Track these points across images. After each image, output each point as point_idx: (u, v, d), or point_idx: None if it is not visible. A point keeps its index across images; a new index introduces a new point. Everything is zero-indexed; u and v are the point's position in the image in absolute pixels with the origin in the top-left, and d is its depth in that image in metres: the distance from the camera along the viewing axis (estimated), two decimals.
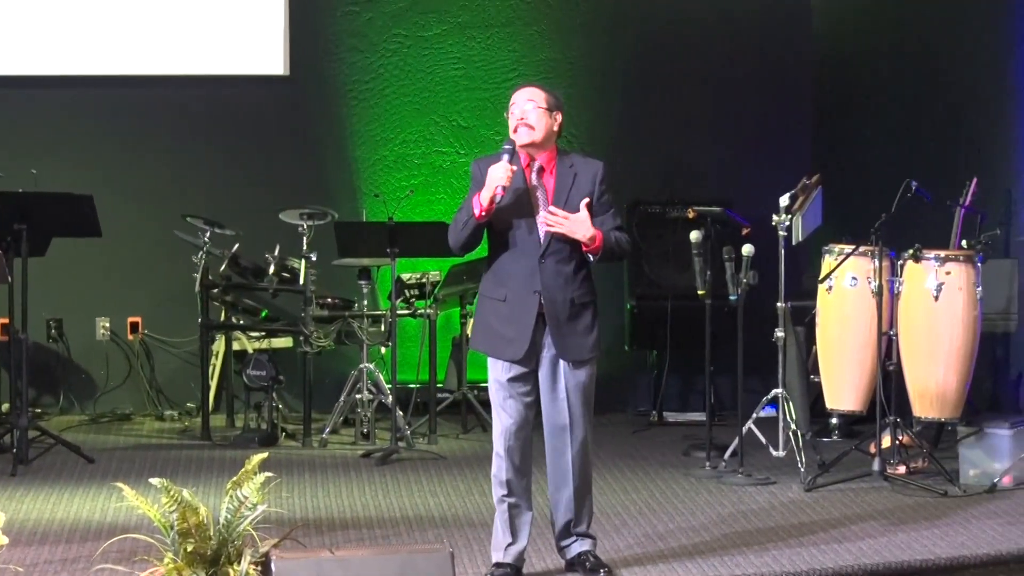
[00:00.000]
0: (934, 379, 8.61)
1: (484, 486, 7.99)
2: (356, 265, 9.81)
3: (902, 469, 8.47)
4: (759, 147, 11.19)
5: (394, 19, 10.96)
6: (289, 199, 10.18)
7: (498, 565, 6.49)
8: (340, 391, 9.79)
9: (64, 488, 8.30)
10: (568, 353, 6.44)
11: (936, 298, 8.59)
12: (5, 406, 9.74)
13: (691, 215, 9.52)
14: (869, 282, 8.61)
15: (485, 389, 6.63)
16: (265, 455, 6.17)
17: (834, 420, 9.61)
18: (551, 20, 11.06)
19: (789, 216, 8.95)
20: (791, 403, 8.87)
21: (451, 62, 10.99)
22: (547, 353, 6.46)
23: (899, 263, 8.62)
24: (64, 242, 9.52)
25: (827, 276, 8.75)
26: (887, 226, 8.44)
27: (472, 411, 10.08)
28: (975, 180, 9.13)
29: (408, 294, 9.96)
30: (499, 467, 6.48)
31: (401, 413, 9.40)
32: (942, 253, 8.67)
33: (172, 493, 5.83)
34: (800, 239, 9.11)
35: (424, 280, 10.00)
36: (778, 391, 8.92)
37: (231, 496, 5.93)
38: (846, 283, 8.77)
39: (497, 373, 6.47)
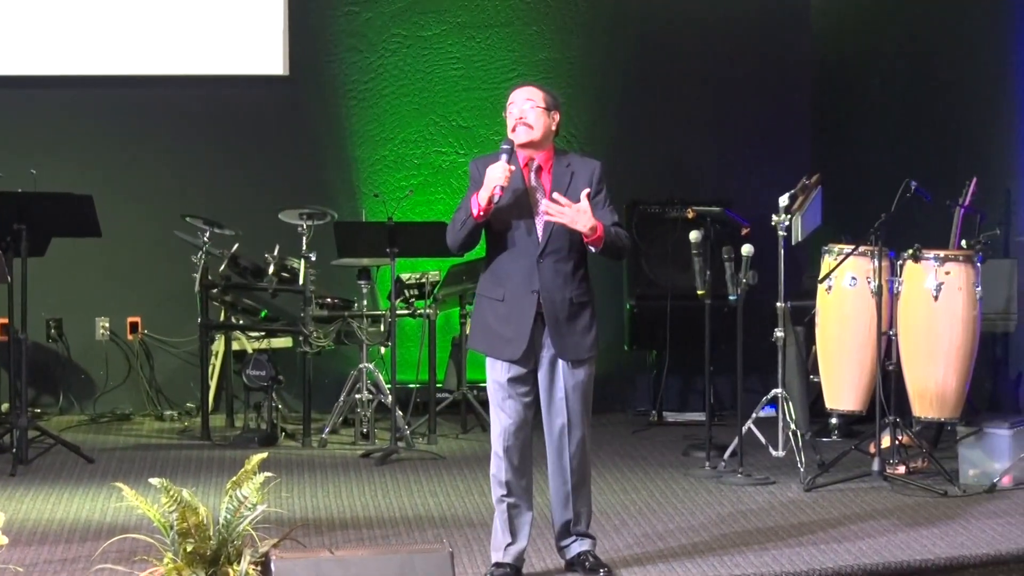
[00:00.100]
0: (934, 379, 8.61)
1: (484, 486, 7.99)
2: (356, 265, 9.81)
3: (902, 469, 8.47)
4: (759, 147, 11.19)
5: (393, 19, 10.96)
6: (289, 199, 10.18)
7: (498, 565, 6.50)
8: (340, 391, 9.79)
9: (64, 488, 8.30)
10: (567, 353, 6.44)
11: (936, 298, 8.59)
12: (5, 406, 9.74)
13: (691, 215, 9.52)
14: (869, 282, 8.61)
15: (484, 389, 6.64)
16: (264, 455, 6.17)
17: (834, 420, 9.62)
18: (551, 20, 11.07)
19: (789, 216, 8.95)
20: (791, 403, 8.87)
21: (450, 62, 10.99)
22: (546, 353, 6.46)
23: (899, 263, 8.62)
24: (64, 242, 9.52)
25: (827, 276, 8.75)
26: (887, 226, 8.44)
27: (472, 411, 10.08)
28: (974, 180, 9.14)
29: (408, 294, 9.96)
30: (498, 467, 6.48)
31: (401, 413, 9.40)
32: (941, 253, 8.67)
33: (172, 493, 5.83)
34: (800, 239, 9.11)
35: (424, 280, 10.00)
36: (778, 391, 8.91)
37: (231, 496, 5.93)
38: (846, 283, 8.77)
39: (496, 374, 6.47)
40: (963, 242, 8.93)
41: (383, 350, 9.94)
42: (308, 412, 9.69)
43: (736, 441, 8.73)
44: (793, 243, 9.07)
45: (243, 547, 5.88)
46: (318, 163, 10.89)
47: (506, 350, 6.42)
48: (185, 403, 10.70)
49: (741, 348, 8.76)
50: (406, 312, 9.84)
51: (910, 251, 8.62)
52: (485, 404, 6.69)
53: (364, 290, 9.77)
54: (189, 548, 5.82)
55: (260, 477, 5.97)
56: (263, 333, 10.28)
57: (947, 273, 8.60)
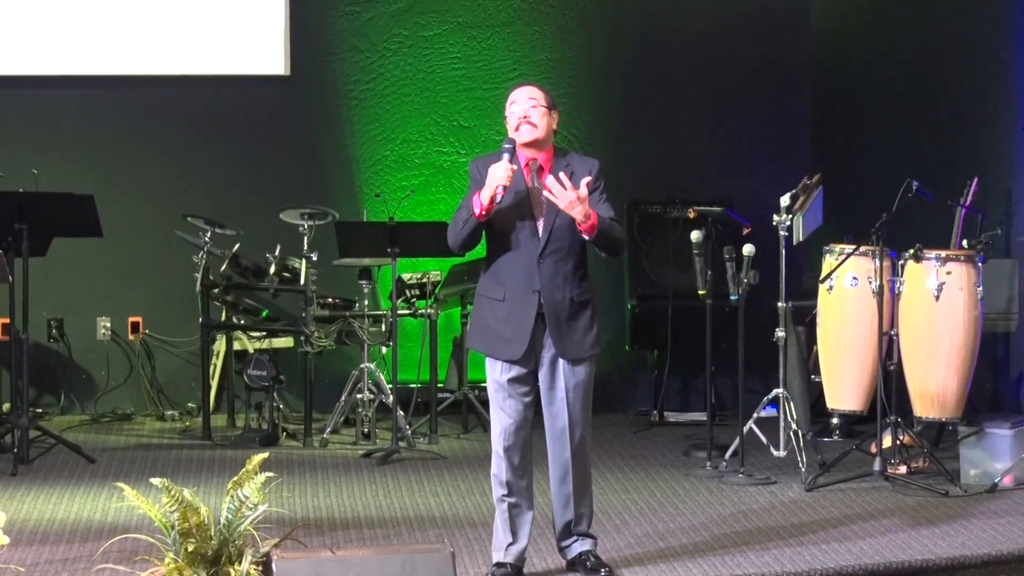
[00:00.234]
0: (935, 379, 8.61)
1: (485, 486, 7.99)
2: (357, 265, 9.81)
3: (903, 469, 8.47)
4: (760, 147, 11.19)
5: (394, 19, 10.96)
6: (290, 199, 10.19)
7: (499, 565, 6.50)
8: (341, 391, 9.79)
9: (65, 488, 8.31)
10: (568, 352, 6.44)
11: (937, 298, 8.59)
12: (6, 406, 9.74)
13: (692, 215, 9.53)
14: (870, 282, 8.61)
15: (486, 389, 6.64)
16: (266, 455, 6.17)
17: (835, 420, 9.62)
18: (551, 20, 11.07)
19: (790, 216, 8.95)
20: (792, 403, 8.87)
21: (452, 62, 10.99)
22: (546, 353, 6.46)
23: (900, 263, 8.62)
24: (65, 242, 9.53)
25: (828, 276, 8.75)
26: (888, 226, 8.44)
27: (473, 411, 10.08)
28: (976, 180, 9.13)
29: (409, 294, 9.96)
30: (499, 467, 6.48)
31: (402, 413, 9.40)
32: (943, 253, 8.67)
33: (173, 493, 5.83)
34: (801, 239, 9.10)
35: (425, 280, 10.00)
36: (779, 391, 8.91)
37: (232, 496, 5.93)
38: (847, 283, 8.77)
39: (496, 374, 6.48)
40: (964, 242, 8.93)
41: (384, 350, 9.94)
42: (309, 412, 9.70)
43: (737, 441, 8.73)
44: (794, 243, 9.07)
45: (244, 547, 5.88)
46: (319, 163, 10.89)
47: (506, 350, 6.42)
48: (186, 403, 10.70)
49: (742, 348, 8.76)
50: (407, 312, 9.84)
51: (911, 251, 8.62)
52: (486, 404, 6.70)
53: (365, 290, 9.77)
54: (190, 548, 5.82)
55: (261, 477, 5.97)
56: (264, 333, 10.28)
57: (948, 273, 8.59)
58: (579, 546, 6.61)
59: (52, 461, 8.94)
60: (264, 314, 10.33)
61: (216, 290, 9.93)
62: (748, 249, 8.65)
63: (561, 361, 6.46)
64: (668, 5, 11.17)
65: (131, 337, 10.74)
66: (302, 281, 9.63)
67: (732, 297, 8.75)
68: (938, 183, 9.00)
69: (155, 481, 5.92)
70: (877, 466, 8.32)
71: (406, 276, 9.97)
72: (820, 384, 9.14)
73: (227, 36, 10.75)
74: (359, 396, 9.70)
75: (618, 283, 10.77)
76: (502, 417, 6.47)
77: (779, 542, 7.16)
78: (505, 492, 6.48)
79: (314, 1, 10.89)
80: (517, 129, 6.43)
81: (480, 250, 6.59)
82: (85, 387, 10.73)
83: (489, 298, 6.48)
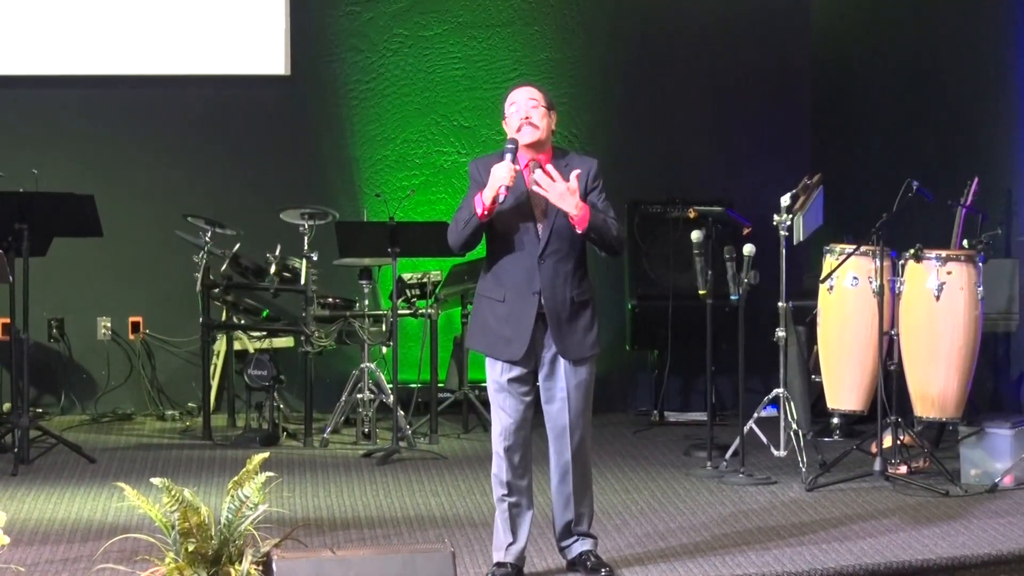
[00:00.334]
0: (935, 379, 8.61)
1: (485, 486, 7.99)
2: (357, 265, 9.81)
3: (903, 469, 8.47)
4: (760, 147, 11.19)
5: (395, 19, 10.96)
6: (290, 199, 10.19)
7: (499, 565, 6.50)
8: (341, 391, 9.79)
9: (65, 488, 8.31)
10: (570, 352, 6.44)
11: (937, 298, 8.59)
12: (6, 406, 9.74)
13: (692, 215, 9.53)
14: (870, 282, 8.61)
15: (486, 389, 6.63)
16: (266, 455, 6.17)
17: (835, 420, 9.62)
18: (552, 20, 11.07)
19: (790, 216, 8.95)
20: (792, 403, 8.87)
21: (452, 62, 10.99)
22: (547, 353, 6.46)
23: (900, 263, 8.62)
24: (65, 242, 9.53)
25: (828, 276, 8.75)
26: (888, 226, 8.44)
27: (473, 411, 10.08)
28: (976, 180, 9.13)
29: (409, 294, 9.96)
30: (499, 467, 6.49)
31: (402, 413, 9.40)
32: (943, 253, 8.66)
33: (173, 493, 5.83)
34: (801, 239, 9.10)
35: (425, 280, 10.00)
36: (779, 391, 8.91)
37: (232, 496, 5.93)
38: (847, 283, 8.77)
39: (496, 374, 6.48)
40: (965, 242, 8.93)
41: (384, 350, 9.94)
42: (310, 412, 9.70)
43: (737, 441, 8.73)
44: (795, 243, 9.07)
45: (245, 547, 5.88)
46: (319, 163, 10.89)
47: (507, 350, 6.42)
48: (187, 403, 10.70)
49: (743, 348, 8.76)
50: (408, 312, 9.84)
51: (912, 251, 8.62)
52: (487, 404, 6.70)
53: (366, 290, 9.77)
54: (191, 548, 5.82)
55: (262, 477, 5.97)
56: (265, 333, 10.28)
57: (949, 273, 8.59)
58: (579, 546, 6.61)
59: (52, 461, 8.94)
60: (264, 314, 10.33)
61: (216, 290, 9.93)
62: (748, 249, 8.65)
63: (562, 361, 6.46)
64: (668, 5, 11.17)
65: (131, 337, 10.74)
66: (302, 281, 9.63)
67: (732, 297, 8.75)
68: (938, 183, 9.00)
69: (155, 481, 5.92)
70: (877, 466, 8.32)
71: (406, 276, 9.97)
72: (820, 384, 9.14)
73: (227, 36, 10.75)
74: (359, 396, 9.70)
75: (618, 283, 10.78)
76: (502, 417, 6.47)
77: (779, 542, 7.16)
78: (505, 492, 6.48)
79: (314, 1, 10.89)
80: (519, 130, 6.43)
81: (480, 250, 6.59)
82: (85, 387, 10.73)
83: (489, 298, 6.48)
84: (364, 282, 9.75)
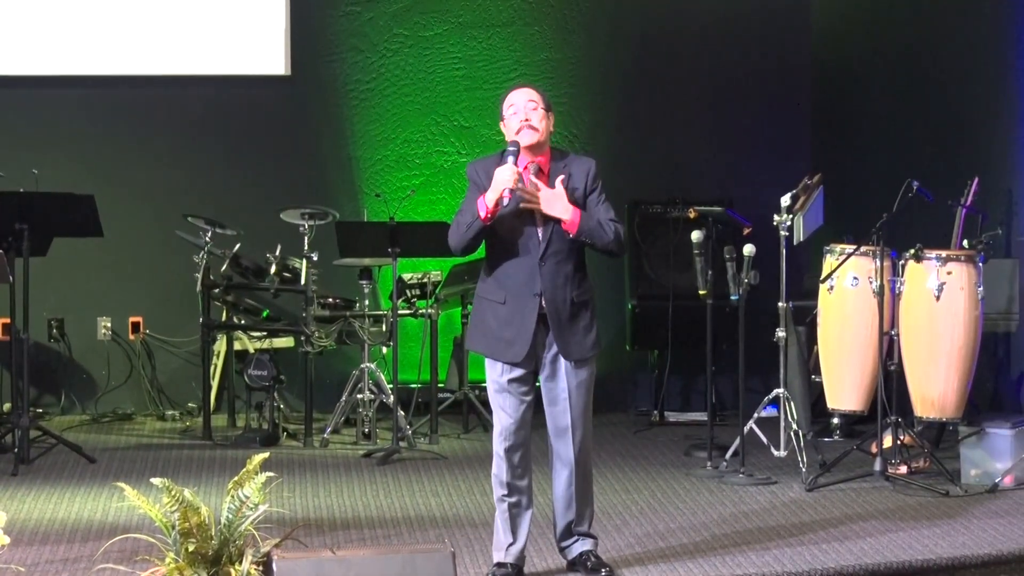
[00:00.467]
0: (935, 379, 8.61)
1: (485, 486, 7.99)
2: (357, 265, 9.81)
3: (903, 469, 8.47)
4: (760, 147, 11.19)
5: (395, 19, 10.96)
6: (290, 199, 10.19)
7: (499, 565, 6.50)
8: (341, 391, 9.79)
9: (65, 488, 8.31)
10: (571, 353, 6.45)
11: (937, 298, 8.59)
12: (6, 406, 9.74)
13: (692, 215, 9.53)
14: (870, 282, 8.61)
15: (486, 389, 6.63)
16: (266, 455, 6.17)
17: (835, 420, 9.61)
18: (552, 20, 11.07)
19: (790, 216, 8.95)
20: (792, 403, 8.86)
21: (452, 62, 10.99)
22: (548, 354, 6.47)
23: (900, 263, 8.62)
24: (65, 242, 9.53)
25: (828, 276, 8.75)
26: (888, 226, 8.44)
27: (473, 411, 10.08)
28: (976, 180, 9.13)
29: (409, 294, 9.96)
30: (499, 467, 6.49)
31: (402, 413, 9.40)
32: (943, 253, 8.66)
33: (173, 493, 5.83)
34: (801, 239, 9.10)
35: (425, 280, 10.00)
36: (779, 391, 8.91)
37: (232, 496, 5.93)
38: (847, 283, 8.77)
39: (496, 374, 6.48)
40: (965, 242, 8.93)
41: (385, 350, 9.93)
42: (310, 412, 9.70)
43: (738, 441, 8.73)
44: (795, 243, 9.07)
45: (245, 547, 5.88)
46: (319, 163, 10.89)
47: (508, 352, 6.42)
48: (187, 403, 10.70)
49: (743, 348, 8.76)
50: (408, 312, 9.84)
51: (912, 251, 8.62)
52: (487, 404, 6.70)
53: (366, 290, 9.77)
54: (191, 548, 5.82)
55: (262, 477, 5.97)
56: (265, 333, 10.28)
57: (949, 273, 8.59)
58: (580, 546, 6.61)
59: (52, 461, 8.94)
60: (265, 314, 10.33)
61: (217, 290, 9.93)
62: (748, 249, 8.65)
63: (563, 361, 6.46)
64: (668, 5, 11.17)
65: (131, 337, 10.74)
66: (303, 281, 9.63)
67: (733, 297, 8.76)
68: (938, 183, 8.99)
69: (156, 481, 5.92)
70: (878, 466, 8.32)
71: (407, 276, 9.97)
72: (821, 384, 9.14)
73: (227, 36, 10.75)
74: (360, 396, 9.70)
75: (618, 283, 10.77)
76: (502, 417, 6.47)
77: (780, 542, 7.16)
78: (505, 492, 6.48)
79: (314, 1, 10.89)
80: (518, 132, 6.42)
81: (481, 250, 6.58)
82: (85, 387, 10.73)
83: (490, 300, 6.48)
84: (364, 282, 9.75)
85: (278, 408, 9.76)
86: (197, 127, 10.83)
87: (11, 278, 8.66)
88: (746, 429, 8.77)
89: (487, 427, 9.47)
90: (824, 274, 8.78)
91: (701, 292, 8.90)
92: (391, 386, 9.46)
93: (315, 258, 9.65)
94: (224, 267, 9.90)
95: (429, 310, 9.87)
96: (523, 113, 6.43)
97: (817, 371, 9.26)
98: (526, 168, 6.43)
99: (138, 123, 10.77)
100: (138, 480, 7.49)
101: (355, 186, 10.89)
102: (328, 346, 9.87)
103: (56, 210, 9.10)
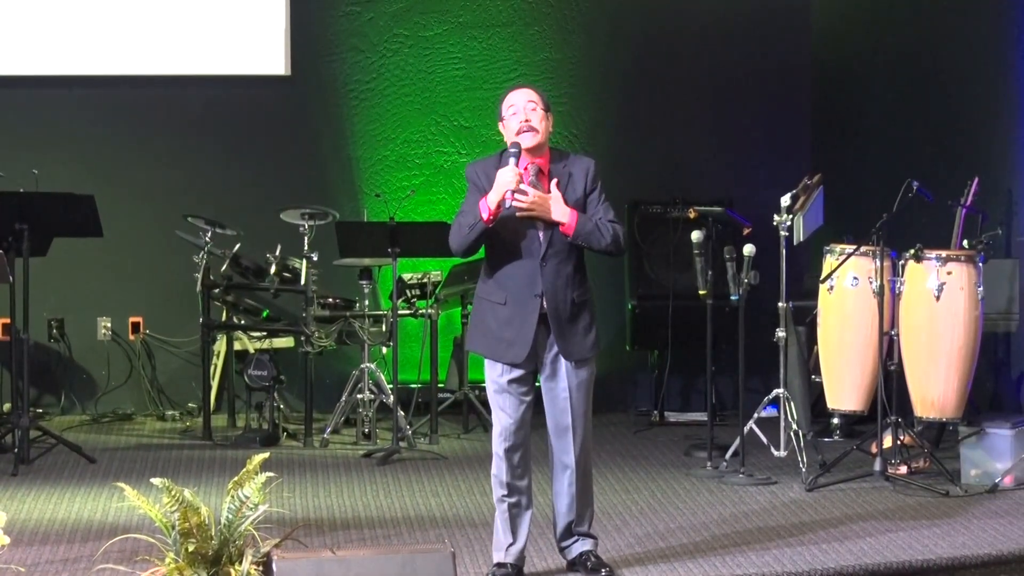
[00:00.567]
0: (935, 379, 8.61)
1: (485, 486, 7.99)
2: (357, 265, 9.81)
3: (903, 469, 8.48)
4: (760, 147, 11.19)
5: (395, 19, 10.96)
6: (290, 199, 10.19)
7: (499, 565, 6.50)
8: (341, 391, 9.79)
9: (65, 488, 8.31)
10: (573, 353, 6.45)
11: (937, 298, 8.59)
12: (6, 406, 9.74)
13: (692, 215, 9.53)
14: (870, 282, 8.61)
15: (486, 389, 6.63)
16: (266, 455, 6.17)
17: (835, 420, 9.61)
18: (552, 20, 11.06)
19: (790, 216, 8.95)
20: (792, 403, 8.87)
21: (452, 62, 10.99)
22: (548, 354, 6.47)
23: (900, 263, 8.62)
24: (65, 242, 9.53)
25: (828, 276, 8.75)
26: (888, 226, 8.44)
27: (473, 411, 10.08)
28: (976, 180, 9.13)
29: (409, 294, 9.96)
30: (499, 468, 6.49)
31: (402, 413, 9.40)
32: (943, 253, 8.66)
33: (173, 493, 5.84)
34: (801, 239, 9.11)
35: (425, 280, 10.00)
36: (779, 391, 8.91)
37: (232, 496, 5.93)
38: (847, 283, 8.77)
39: (495, 375, 6.48)
40: (965, 242, 8.93)
41: (385, 350, 9.93)
42: (310, 412, 9.70)
43: (738, 441, 8.73)
44: (795, 243, 9.07)
45: (245, 547, 5.88)
46: (319, 163, 10.89)
47: (509, 353, 6.42)
48: (187, 403, 10.70)
49: (743, 348, 8.76)
50: (408, 312, 9.84)
51: (912, 251, 8.62)
52: (487, 404, 6.70)
53: (366, 290, 9.77)
54: (191, 548, 5.82)
55: (262, 477, 5.97)
56: (265, 333, 10.28)
57: (949, 273, 8.59)
58: (580, 546, 6.62)
59: (52, 461, 8.94)
60: (265, 314, 10.33)
61: (217, 290, 9.93)
62: (748, 249, 8.65)
63: (563, 362, 6.46)
64: (668, 5, 11.16)
65: (131, 337, 10.74)
66: (303, 281, 9.63)
67: (733, 297, 8.76)
68: (938, 183, 9.00)
69: (155, 481, 5.92)
70: (878, 466, 8.32)
71: (406, 276, 9.97)
72: (821, 384, 9.14)
73: (227, 36, 10.75)
74: (360, 396, 9.70)
75: (618, 283, 10.77)
76: (502, 417, 6.47)
77: (780, 542, 7.16)
78: (505, 492, 6.48)
79: (314, 1, 10.89)
80: (518, 133, 6.42)
81: (480, 251, 6.58)
82: (85, 387, 10.73)
83: (490, 302, 6.48)
84: (364, 282, 9.75)
85: (278, 408, 9.76)
86: (197, 127, 10.83)
87: (11, 278, 8.66)
88: (746, 429, 8.77)
89: (487, 427, 9.47)
90: (824, 274, 8.78)
91: (701, 292, 8.90)
92: (391, 386, 9.46)
93: (315, 258, 9.65)
94: (224, 267, 9.90)
95: (429, 310, 9.88)
96: (523, 114, 6.43)
97: (817, 371, 9.26)
98: (526, 169, 6.43)
99: (138, 123, 10.77)
100: (138, 480, 7.49)
101: (355, 186, 10.89)
102: (328, 346, 9.87)
103: (56, 210, 9.10)
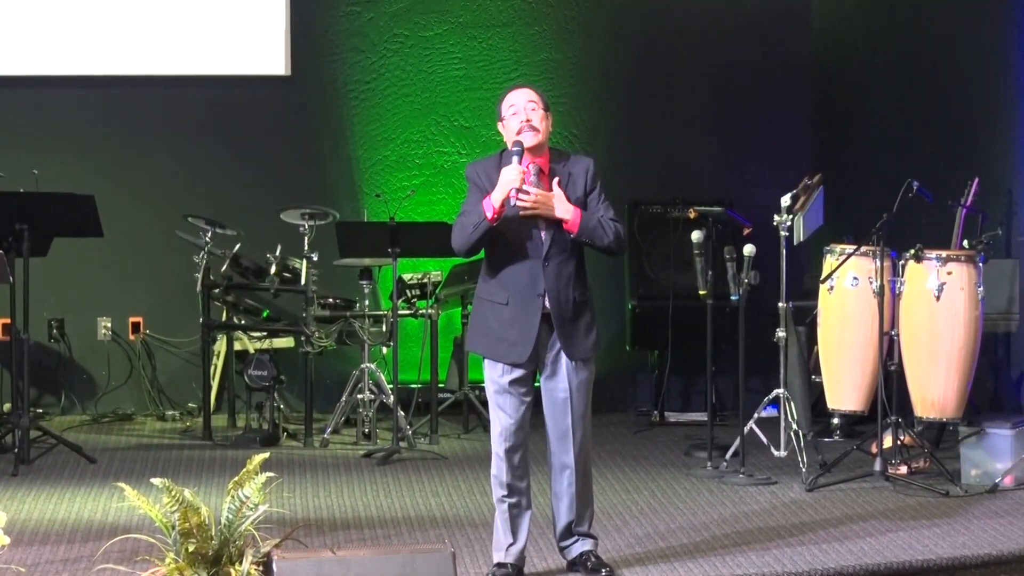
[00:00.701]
0: (935, 379, 8.61)
1: (485, 486, 7.99)
2: (357, 265, 9.81)
3: (903, 469, 8.47)
4: (760, 147, 11.19)
5: (395, 19, 10.96)
6: (290, 199, 10.18)
7: (499, 565, 6.50)
8: (341, 391, 9.79)
9: (66, 488, 8.31)
10: (575, 352, 6.45)
11: (937, 298, 8.59)
12: (7, 406, 9.74)
13: (692, 215, 9.53)
14: (871, 282, 8.61)
15: (485, 389, 6.63)
16: (266, 455, 6.17)
17: (835, 420, 9.61)
18: (552, 20, 11.07)
19: (790, 216, 8.95)
20: (792, 403, 8.87)
21: (452, 62, 10.99)
22: (549, 354, 6.47)
23: (900, 263, 8.62)
24: (66, 242, 9.53)
25: (828, 276, 8.75)
26: (888, 226, 8.44)
27: (473, 411, 10.08)
28: (976, 180, 9.13)
29: (409, 294, 9.96)
30: (499, 468, 6.49)
31: (403, 413, 9.40)
32: (943, 253, 8.66)
33: (174, 493, 5.84)
34: (801, 239, 9.10)
35: (425, 280, 10.00)
36: (779, 391, 8.91)
37: (232, 496, 5.93)
38: (847, 283, 8.77)
39: (496, 375, 6.48)
40: (965, 242, 8.93)
41: (385, 350, 9.93)
42: (310, 412, 9.69)
43: (738, 441, 8.73)
44: (795, 243, 9.07)
45: (245, 547, 5.88)
46: (320, 163, 10.89)
47: (510, 353, 6.43)
48: (187, 403, 10.70)
49: (743, 348, 8.76)
50: (408, 312, 9.84)
51: (912, 251, 8.62)
52: (487, 404, 6.70)
53: (366, 290, 9.77)
54: (191, 548, 5.82)
55: (262, 477, 5.97)
56: (265, 333, 10.28)
57: (949, 273, 8.59)
58: (580, 546, 6.62)
59: (53, 461, 8.94)
60: (265, 314, 10.33)
61: (217, 290, 9.93)
62: (749, 249, 8.65)
63: (564, 362, 6.46)
64: (668, 5, 11.16)
65: (132, 337, 10.74)
66: (303, 281, 9.63)
67: (733, 297, 8.76)
68: (938, 183, 9.00)
69: (156, 481, 5.92)
70: (878, 466, 8.32)
71: (407, 276, 9.97)
72: (821, 384, 9.15)
73: (227, 36, 10.75)
74: (360, 396, 9.70)
75: (618, 283, 10.77)
76: (502, 418, 6.47)
77: (780, 542, 7.16)
78: (505, 493, 6.48)
79: (315, 1, 10.89)
80: (519, 133, 6.42)
81: (481, 251, 6.58)
82: (86, 387, 10.73)
83: (491, 302, 6.48)
84: (364, 282, 9.75)
85: (278, 408, 9.76)
86: (197, 127, 10.83)
87: (11, 278, 8.66)
88: (746, 429, 8.77)
89: (487, 427, 9.39)
90: (824, 274, 8.78)
91: (701, 292, 8.90)
92: (391, 386, 9.46)
93: (315, 258, 9.64)
94: (224, 267, 9.90)
95: (429, 310, 9.88)
96: (523, 113, 6.43)
97: (817, 371, 9.26)
98: (527, 169, 6.43)
99: (138, 123, 10.77)
100: (138, 480, 7.49)
101: (355, 186, 10.89)
102: (328, 346, 9.87)
103: (56, 210, 9.09)
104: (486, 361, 6.52)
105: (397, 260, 9.34)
